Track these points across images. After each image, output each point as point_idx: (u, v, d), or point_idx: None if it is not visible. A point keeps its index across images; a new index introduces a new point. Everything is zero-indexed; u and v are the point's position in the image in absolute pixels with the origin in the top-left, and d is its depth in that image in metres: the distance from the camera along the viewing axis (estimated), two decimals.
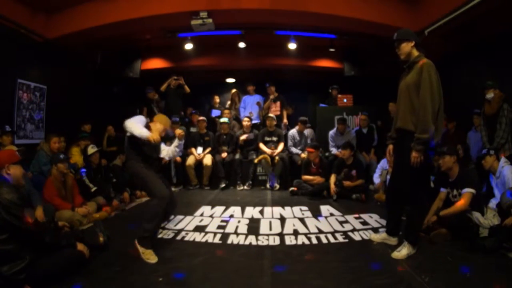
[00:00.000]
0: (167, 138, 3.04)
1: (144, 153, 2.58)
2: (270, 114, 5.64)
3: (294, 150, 5.47)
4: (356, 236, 2.82)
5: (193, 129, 6.03)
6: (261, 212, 3.70)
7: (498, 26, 4.26)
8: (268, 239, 2.77)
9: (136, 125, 2.41)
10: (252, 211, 3.72)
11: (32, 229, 1.92)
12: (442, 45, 5.04)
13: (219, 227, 3.13)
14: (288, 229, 3.05)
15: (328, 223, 3.22)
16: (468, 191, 2.69)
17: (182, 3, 4.47)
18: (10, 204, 1.80)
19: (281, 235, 2.88)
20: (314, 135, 6.25)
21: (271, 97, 6.09)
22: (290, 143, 5.55)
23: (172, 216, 3.31)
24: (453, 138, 4.67)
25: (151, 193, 2.52)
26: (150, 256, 2.33)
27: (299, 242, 2.71)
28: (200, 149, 5.45)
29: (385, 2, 4.72)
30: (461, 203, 2.69)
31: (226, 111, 6.09)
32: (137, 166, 2.52)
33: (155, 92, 6.25)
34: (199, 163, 5.30)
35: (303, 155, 5.19)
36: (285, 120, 6.14)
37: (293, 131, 5.61)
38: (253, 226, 3.14)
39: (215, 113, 6.61)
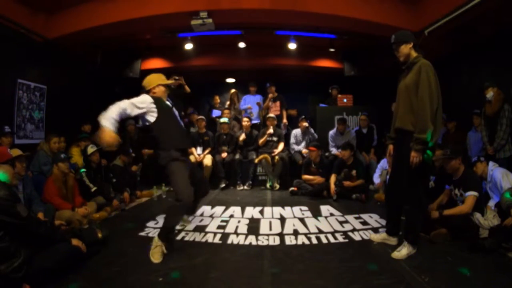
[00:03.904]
0: (176, 90, 2.86)
1: (175, 139, 2.48)
2: (271, 115, 5.65)
3: (296, 147, 5.50)
4: (356, 236, 2.82)
5: (193, 129, 6.03)
6: (261, 212, 3.70)
7: (498, 26, 4.26)
8: (268, 239, 2.77)
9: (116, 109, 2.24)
10: (252, 211, 3.72)
11: (26, 222, 1.92)
12: (442, 45, 5.04)
13: (219, 227, 3.13)
14: (288, 229, 3.05)
15: (328, 223, 3.23)
16: (471, 194, 2.68)
17: (182, 3, 4.47)
18: (1, 201, 1.80)
19: (281, 235, 2.88)
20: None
21: (270, 95, 6.11)
22: (292, 140, 5.57)
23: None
24: (453, 138, 4.68)
25: (177, 194, 2.43)
26: (156, 255, 2.33)
27: (299, 242, 2.71)
28: (199, 149, 5.45)
29: (385, 2, 4.72)
30: (465, 207, 2.68)
31: (226, 111, 6.10)
32: (175, 164, 2.41)
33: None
34: (199, 163, 5.30)
35: (305, 150, 5.21)
36: (284, 120, 6.15)
37: (297, 130, 5.65)
38: (253, 226, 3.14)
39: (215, 113, 6.61)
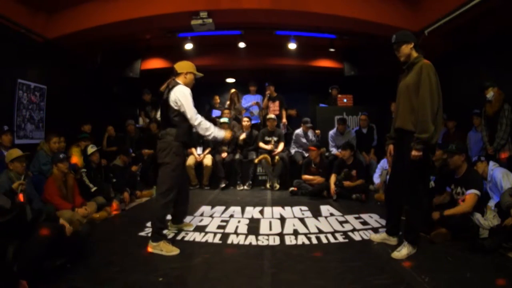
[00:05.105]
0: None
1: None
2: (271, 115, 5.65)
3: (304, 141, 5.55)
4: (356, 236, 2.82)
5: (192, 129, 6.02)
6: (261, 212, 3.70)
7: (498, 26, 4.25)
8: (268, 239, 2.77)
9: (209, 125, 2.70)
10: (252, 211, 3.72)
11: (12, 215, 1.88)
12: (442, 45, 5.04)
13: (219, 227, 3.13)
14: (288, 229, 3.05)
15: (328, 223, 3.23)
16: (473, 192, 2.67)
17: (182, 3, 4.47)
18: None
19: (281, 235, 2.88)
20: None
21: (267, 92, 6.12)
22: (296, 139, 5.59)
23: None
24: (453, 138, 4.67)
25: (161, 189, 2.57)
26: (169, 249, 2.41)
27: (299, 242, 2.70)
28: (199, 149, 5.45)
29: (385, 2, 4.72)
30: (466, 205, 2.67)
31: (226, 111, 6.10)
32: (178, 162, 2.64)
33: (150, 94, 6.28)
34: (199, 163, 5.30)
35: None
36: (284, 120, 6.14)
37: (299, 130, 5.65)
38: (253, 226, 3.14)
39: (215, 113, 6.61)
